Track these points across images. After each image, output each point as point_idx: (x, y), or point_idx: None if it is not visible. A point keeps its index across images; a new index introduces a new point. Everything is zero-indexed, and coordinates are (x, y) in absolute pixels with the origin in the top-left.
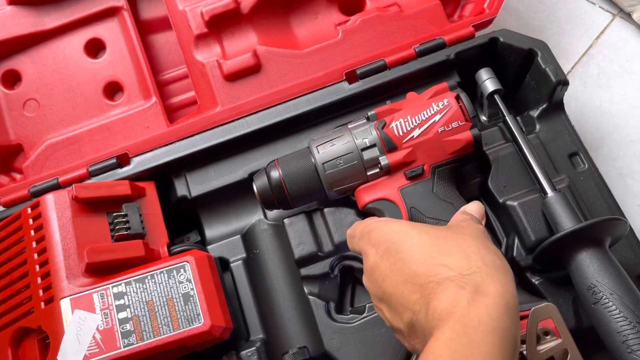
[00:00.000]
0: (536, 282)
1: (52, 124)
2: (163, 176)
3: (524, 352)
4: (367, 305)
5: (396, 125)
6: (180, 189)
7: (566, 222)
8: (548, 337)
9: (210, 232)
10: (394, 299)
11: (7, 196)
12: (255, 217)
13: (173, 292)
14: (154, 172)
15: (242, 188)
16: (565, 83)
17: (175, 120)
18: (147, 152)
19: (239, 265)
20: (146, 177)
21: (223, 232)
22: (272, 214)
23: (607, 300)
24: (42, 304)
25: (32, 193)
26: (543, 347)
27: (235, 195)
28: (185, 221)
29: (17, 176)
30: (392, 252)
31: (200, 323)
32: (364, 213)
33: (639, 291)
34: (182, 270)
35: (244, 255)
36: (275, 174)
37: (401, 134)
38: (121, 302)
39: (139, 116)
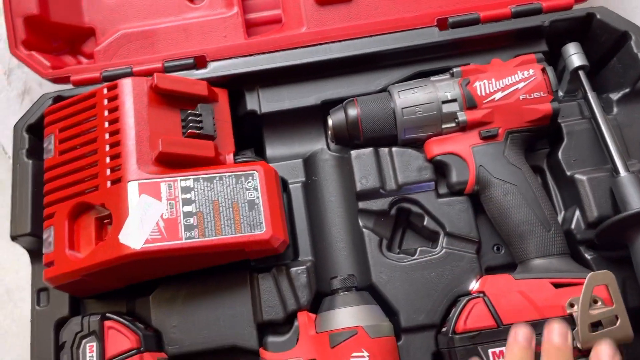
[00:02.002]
0: (589, 258)
1: (129, 14)
2: (236, 87)
3: (574, 314)
4: (419, 249)
5: (480, 84)
6: (251, 103)
7: (637, 203)
8: (598, 304)
9: (271, 150)
10: None
11: (77, 75)
12: (318, 146)
13: (239, 197)
14: (228, 81)
15: (312, 114)
16: None
17: (253, 36)
18: (225, 59)
19: (298, 187)
20: (220, 84)
21: (284, 154)
22: (335, 145)
23: None
24: (109, 183)
25: (104, 77)
26: (595, 311)
27: (303, 119)
28: (243, 137)
29: (83, 60)
30: None
31: (261, 231)
32: (432, 162)
33: None
34: (250, 178)
35: (304, 179)
36: (353, 112)
37: (483, 94)
38: (187, 196)
39: (217, 24)
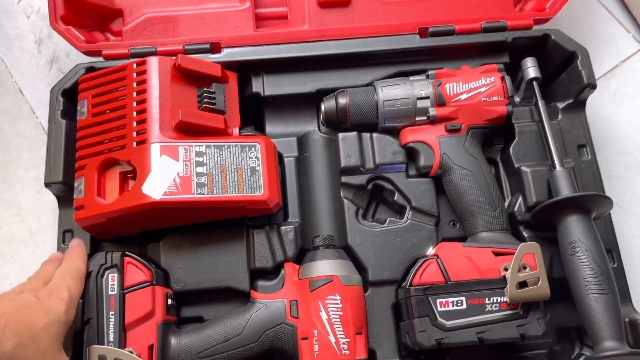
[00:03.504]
0: (526, 236)
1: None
2: (244, 71)
3: (507, 276)
4: (389, 219)
5: (449, 86)
6: (256, 86)
7: (566, 192)
8: (526, 270)
9: (270, 128)
10: None
11: (108, 50)
12: (310, 127)
13: (243, 164)
14: (237, 65)
15: (307, 100)
16: (593, 87)
17: (261, 28)
18: (237, 47)
19: (291, 161)
20: (230, 67)
21: (281, 132)
22: (324, 128)
23: (582, 254)
24: (134, 143)
25: (132, 54)
26: (522, 274)
27: (299, 104)
28: (246, 116)
29: (111, 37)
30: None
31: (260, 193)
32: (405, 148)
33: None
34: (253, 148)
35: (296, 154)
36: (342, 100)
37: (452, 94)
38: (200, 159)
39: (231, 15)
